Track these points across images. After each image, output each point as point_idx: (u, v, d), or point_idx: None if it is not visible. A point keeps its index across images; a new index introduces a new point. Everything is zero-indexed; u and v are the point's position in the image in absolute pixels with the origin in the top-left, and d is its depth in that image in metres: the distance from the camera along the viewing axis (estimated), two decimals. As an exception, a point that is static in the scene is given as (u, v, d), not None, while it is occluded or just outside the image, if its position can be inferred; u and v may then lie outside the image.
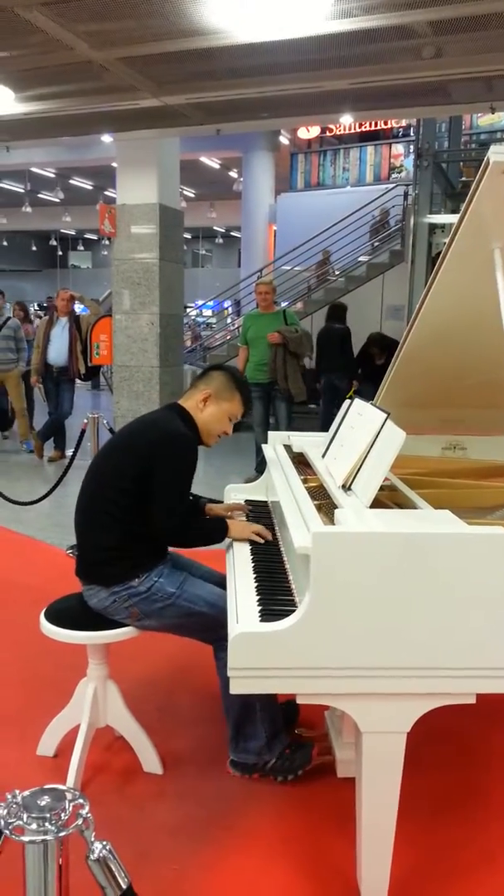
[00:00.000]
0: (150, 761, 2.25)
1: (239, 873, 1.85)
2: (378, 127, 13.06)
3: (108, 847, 1.03)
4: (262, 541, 2.20)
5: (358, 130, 13.21)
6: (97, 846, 1.03)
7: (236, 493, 2.75)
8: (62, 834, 1.00)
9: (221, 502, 2.62)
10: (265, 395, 6.07)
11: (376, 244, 10.82)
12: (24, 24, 4.15)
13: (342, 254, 10.81)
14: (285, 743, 2.19)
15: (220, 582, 2.25)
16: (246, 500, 2.67)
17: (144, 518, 2.12)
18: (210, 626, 2.11)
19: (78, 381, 7.29)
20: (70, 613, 2.20)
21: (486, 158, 1.73)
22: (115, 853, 1.04)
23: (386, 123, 12.90)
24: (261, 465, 5.97)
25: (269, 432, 2.97)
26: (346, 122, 6.85)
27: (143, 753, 2.25)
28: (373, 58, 4.55)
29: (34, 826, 0.99)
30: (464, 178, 9.53)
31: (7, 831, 0.98)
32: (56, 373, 6.97)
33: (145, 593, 2.12)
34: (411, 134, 11.57)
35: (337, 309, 7.67)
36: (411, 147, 11.23)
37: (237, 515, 2.46)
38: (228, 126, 6.32)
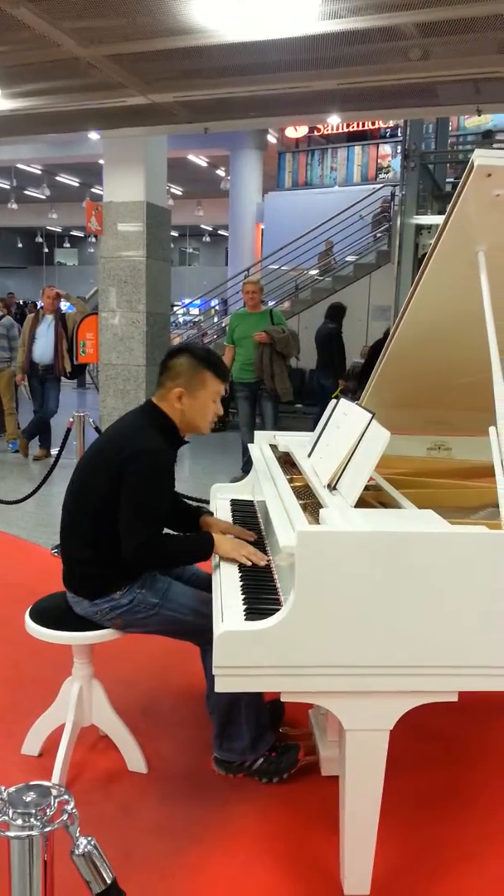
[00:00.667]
0: (135, 760, 2.25)
1: (223, 871, 1.86)
2: (366, 127, 13.11)
3: (92, 842, 1.04)
4: (249, 563, 2.01)
5: (346, 130, 13.26)
6: (82, 841, 1.04)
7: (222, 493, 2.76)
8: (47, 829, 1.01)
9: (212, 513, 2.45)
10: (252, 395, 6.08)
11: (379, 235, 10.83)
12: (10, 21, 4.13)
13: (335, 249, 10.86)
14: (270, 743, 2.19)
15: (208, 582, 2.23)
16: (232, 500, 2.67)
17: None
18: (194, 632, 2.10)
19: (64, 379, 7.26)
20: (55, 613, 2.19)
21: (470, 161, 1.74)
22: (100, 848, 1.05)
23: (373, 124, 12.95)
24: (247, 465, 5.98)
25: (255, 432, 2.97)
26: (334, 122, 6.87)
27: (127, 753, 2.25)
28: (360, 59, 4.56)
29: (20, 822, 0.99)
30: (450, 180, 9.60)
31: (-8, 828, 0.98)
32: (41, 371, 6.94)
33: (127, 605, 2.09)
34: (398, 135, 11.62)
35: (330, 308, 7.72)
36: (398, 148, 11.28)
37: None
38: (216, 125, 6.32)
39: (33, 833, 1.00)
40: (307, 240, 10.49)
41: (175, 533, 2.26)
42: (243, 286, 6.38)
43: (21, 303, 14.82)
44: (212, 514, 2.41)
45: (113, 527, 2.05)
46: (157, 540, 2.06)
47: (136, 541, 2.02)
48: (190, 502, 2.46)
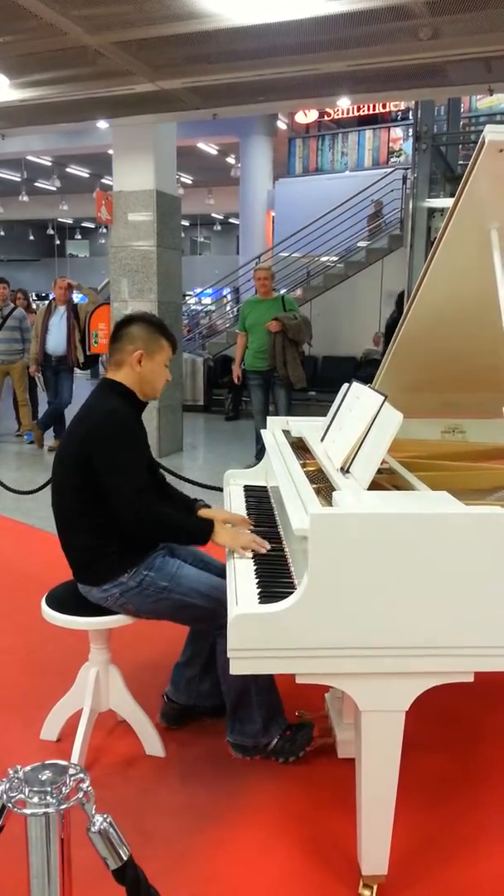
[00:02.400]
0: (153, 744, 2.27)
1: (241, 852, 1.88)
2: (376, 111, 12.96)
3: (108, 819, 1.05)
4: (250, 555, 1.97)
5: (356, 114, 13.10)
6: (98, 819, 1.05)
7: (235, 479, 2.76)
8: (63, 807, 1.02)
9: (206, 505, 2.41)
10: (264, 383, 6.06)
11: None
12: (17, 9, 4.11)
13: (345, 237, 10.77)
14: (283, 726, 2.20)
15: (222, 570, 2.21)
16: (245, 486, 2.67)
17: (110, 514, 2.07)
18: (205, 618, 2.10)
19: (77, 369, 7.28)
20: (71, 599, 2.21)
21: (481, 137, 1.72)
22: (116, 825, 1.06)
23: (384, 107, 12.78)
24: (261, 453, 5.97)
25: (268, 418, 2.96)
26: (344, 105, 6.80)
27: (145, 736, 2.27)
28: (369, 39, 4.50)
29: (36, 799, 1.00)
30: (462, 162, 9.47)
31: (9, 805, 0.99)
32: (55, 362, 6.97)
33: (136, 588, 2.10)
34: (410, 117, 11.48)
35: (398, 296, 7.59)
36: (410, 131, 11.15)
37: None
38: (225, 110, 6.27)
39: (49, 810, 1.01)
40: (319, 225, 10.41)
41: None
42: (255, 273, 6.35)
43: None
44: (209, 506, 2.40)
45: (97, 510, 2.08)
46: (145, 496, 2.08)
47: (125, 500, 2.04)
48: (186, 494, 2.46)
